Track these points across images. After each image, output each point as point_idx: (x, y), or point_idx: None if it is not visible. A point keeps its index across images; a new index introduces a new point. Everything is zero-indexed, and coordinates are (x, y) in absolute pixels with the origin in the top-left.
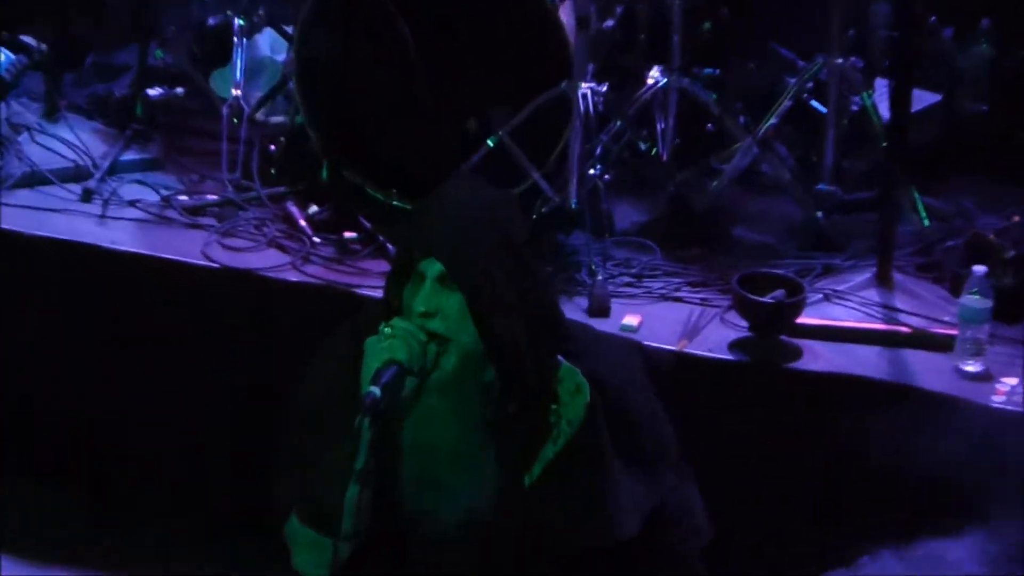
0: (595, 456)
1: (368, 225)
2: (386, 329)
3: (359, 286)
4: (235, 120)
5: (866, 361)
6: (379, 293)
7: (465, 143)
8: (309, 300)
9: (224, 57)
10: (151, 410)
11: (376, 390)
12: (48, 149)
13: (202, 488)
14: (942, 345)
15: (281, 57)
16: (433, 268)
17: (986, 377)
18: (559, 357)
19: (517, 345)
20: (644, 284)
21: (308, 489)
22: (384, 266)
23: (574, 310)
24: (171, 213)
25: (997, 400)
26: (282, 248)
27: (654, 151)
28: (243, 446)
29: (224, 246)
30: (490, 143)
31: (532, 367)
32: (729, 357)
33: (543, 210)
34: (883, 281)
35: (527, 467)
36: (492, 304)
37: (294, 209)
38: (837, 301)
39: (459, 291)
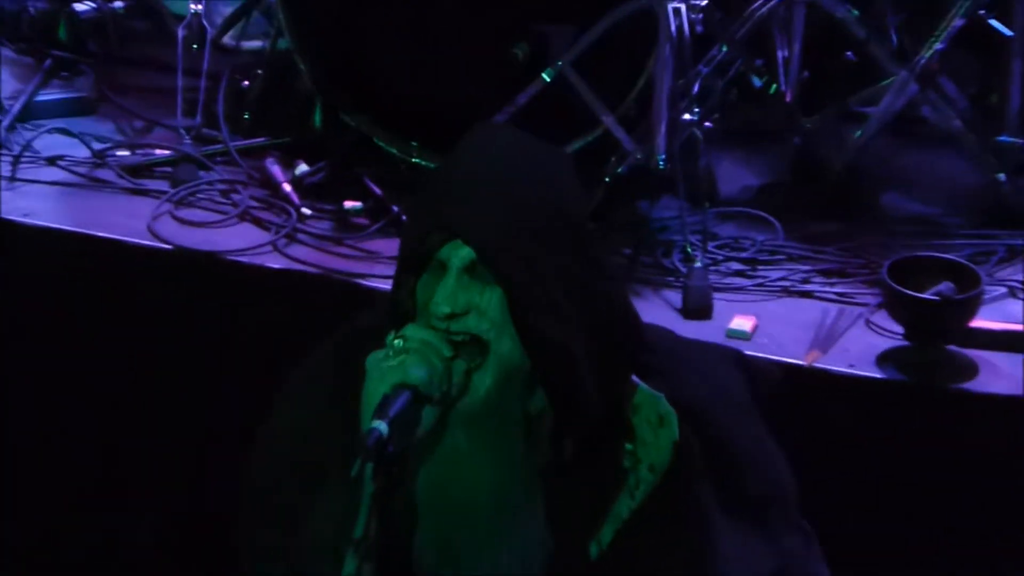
0: (688, 513)
1: (377, 191)
2: (395, 341)
3: (364, 276)
4: (194, 46)
5: None
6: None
7: (511, 76)
8: (295, 295)
9: None
10: (70, 447)
11: (382, 426)
12: None
13: (133, 547)
14: None
15: None
16: (460, 254)
17: None
18: (634, 377)
19: (575, 361)
20: (760, 273)
21: (287, 562)
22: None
23: (662, 310)
24: (106, 174)
25: None
26: (259, 223)
27: (773, 89)
28: (197, 498)
29: (179, 220)
30: (545, 77)
31: (596, 391)
32: (877, 375)
33: (619, 170)
34: None
35: (593, 530)
36: (541, 304)
37: (276, 169)
38: None
39: (495, 285)
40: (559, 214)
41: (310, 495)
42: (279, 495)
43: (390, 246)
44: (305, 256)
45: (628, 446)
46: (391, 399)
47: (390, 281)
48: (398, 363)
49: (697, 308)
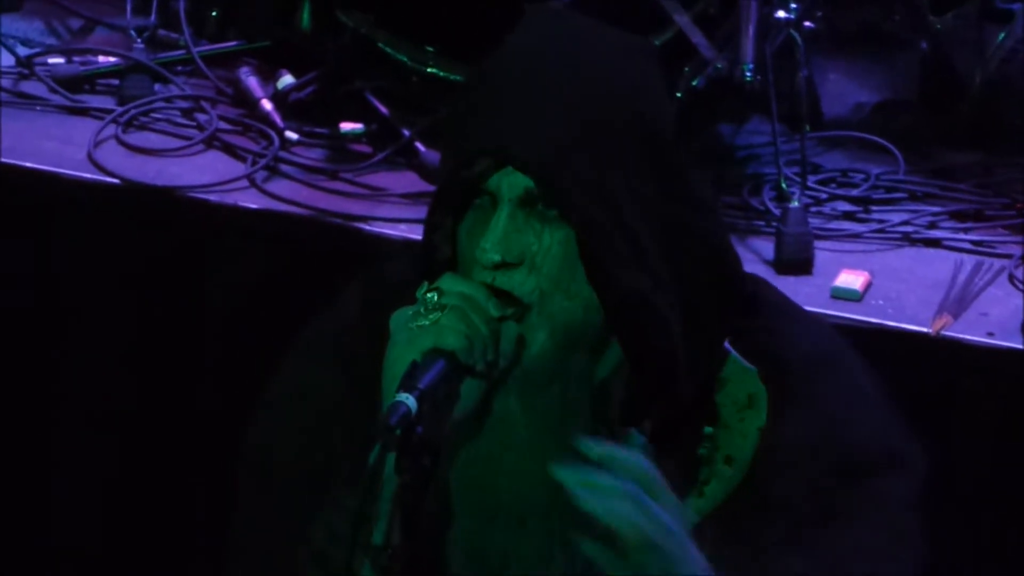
0: (774, 520)
1: (383, 109)
2: (429, 295)
3: (366, 219)
4: None
5: None
6: (405, 232)
7: None
8: (277, 242)
9: None
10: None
11: (409, 400)
12: None
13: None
14: None
15: None
16: (513, 185)
17: None
18: (725, 344)
19: (665, 322)
20: (875, 216)
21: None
22: (415, 183)
23: (748, 262)
24: (35, 88)
25: None
26: (231, 151)
27: None
28: (160, 508)
29: (128, 147)
30: None
31: (688, 361)
32: (1022, 346)
33: (694, 83)
34: None
35: None
36: (621, 248)
37: (252, 82)
38: None
39: (561, 223)
40: (643, 129)
41: (320, 490)
42: (269, 500)
43: (399, 180)
44: (290, 193)
45: (707, 429)
46: (421, 369)
47: (398, 226)
48: (431, 323)
49: (793, 260)
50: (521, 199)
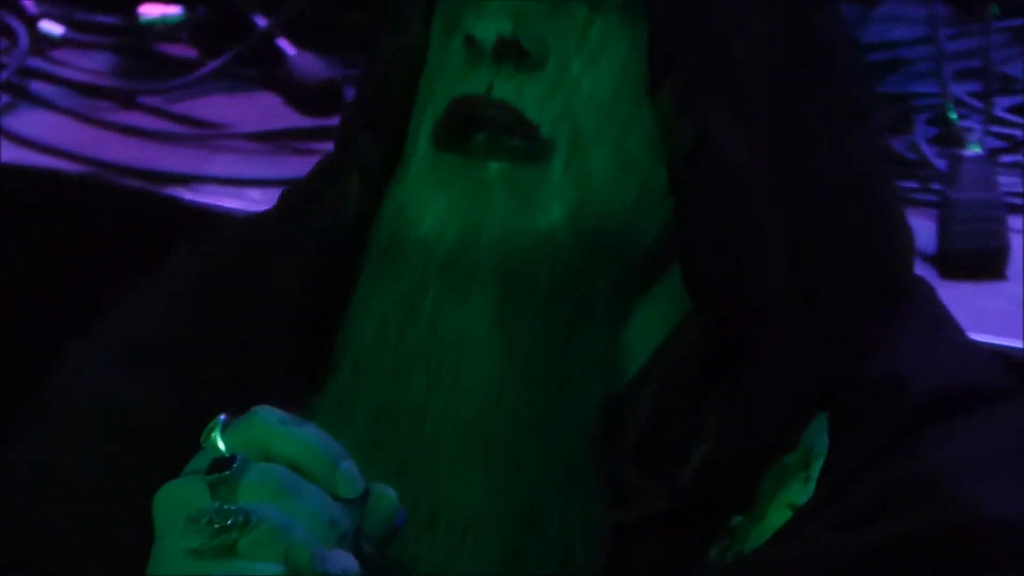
0: None
1: None
2: (218, 483)
3: (192, 179)
4: None
5: None
6: (257, 201)
7: None
8: (33, 215)
9: None
10: None
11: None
12: None
13: None
14: None
15: None
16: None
17: None
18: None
19: (763, 261)
20: None
21: None
22: (276, 113)
23: None
24: None
25: None
26: None
27: None
28: None
29: None
30: None
31: (785, 359)
32: None
33: None
34: None
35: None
36: (725, 97)
37: None
38: None
39: (627, 21)
40: None
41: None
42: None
43: (246, 109)
44: (49, 133)
45: (737, 517)
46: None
47: (246, 192)
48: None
49: (970, 251)
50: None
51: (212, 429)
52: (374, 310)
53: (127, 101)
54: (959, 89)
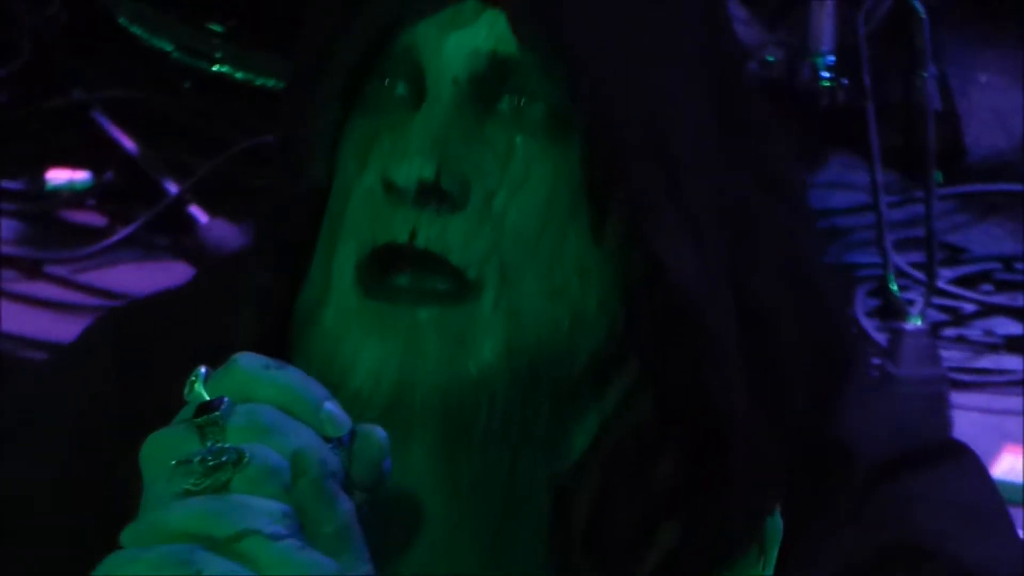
0: None
1: (128, 144)
2: (206, 424)
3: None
4: None
5: None
6: None
7: None
8: None
9: None
10: None
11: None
12: None
13: None
14: None
15: None
16: (461, 47)
17: None
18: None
19: (724, 349)
20: None
21: None
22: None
23: None
24: None
25: None
26: None
27: None
28: None
29: None
30: None
31: (757, 440)
32: None
33: None
34: None
35: None
36: (668, 215)
37: None
38: None
39: (553, 140)
40: (715, 58)
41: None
42: None
43: (155, 278)
44: None
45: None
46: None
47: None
48: (209, 498)
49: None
50: (477, 79)
51: (194, 381)
52: None
53: (34, 269)
54: (901, 259)
